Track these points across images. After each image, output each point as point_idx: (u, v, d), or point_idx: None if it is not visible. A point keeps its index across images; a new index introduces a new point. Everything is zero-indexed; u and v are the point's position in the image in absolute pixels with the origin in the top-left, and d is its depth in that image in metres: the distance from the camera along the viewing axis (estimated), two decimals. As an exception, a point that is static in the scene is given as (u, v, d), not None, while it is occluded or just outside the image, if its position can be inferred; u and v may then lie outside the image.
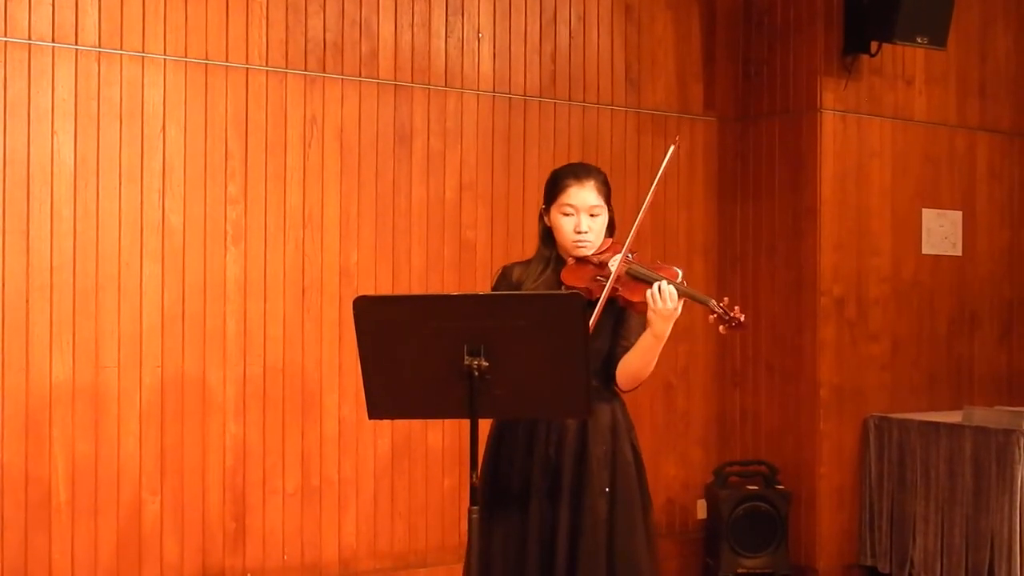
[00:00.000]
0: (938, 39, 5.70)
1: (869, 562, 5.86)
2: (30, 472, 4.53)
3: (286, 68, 5.05)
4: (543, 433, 3.34)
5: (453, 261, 5.40)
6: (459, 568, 3.60)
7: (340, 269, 5.15)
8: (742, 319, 3.16)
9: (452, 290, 5.29)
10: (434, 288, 5.31)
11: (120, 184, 4.72)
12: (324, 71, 5.12)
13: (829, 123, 5.82)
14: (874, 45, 5.78)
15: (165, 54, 4.80)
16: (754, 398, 6.11)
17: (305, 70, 5.09)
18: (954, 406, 6.05)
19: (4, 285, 4.50)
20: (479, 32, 5.50)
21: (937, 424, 5.61)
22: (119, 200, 4.71)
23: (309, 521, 5.08)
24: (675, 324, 3.23)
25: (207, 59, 4.88)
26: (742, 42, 6.21)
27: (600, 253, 3.37)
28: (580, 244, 3.36)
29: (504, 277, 3.49)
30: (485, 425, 3.37)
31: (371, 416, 3.08)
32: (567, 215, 3.37)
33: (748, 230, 6.15)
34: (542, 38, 5.67)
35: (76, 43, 4.63)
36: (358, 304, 2.98)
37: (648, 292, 3.17)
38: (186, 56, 4.84)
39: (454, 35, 5.44)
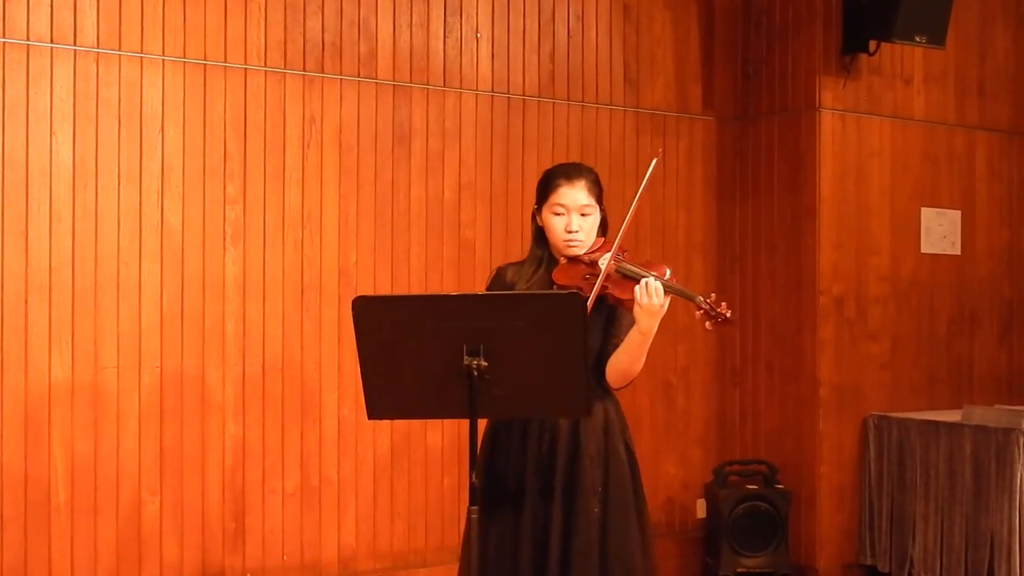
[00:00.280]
0: (937, 38, 5.70)
1: (869, 561, 5.86)
2: (29, 472, 4.53)
3: (285, 68, 5.04)
4: (536, 432, 3.35)
5: (452, 261, 5.40)
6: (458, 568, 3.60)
7: (339, 269, 5.15)
8: (728, 315, 3.15)
9: (451, 290, 5.29)
10: (433, 288, 5.31)
11: (119, 184, 4.72)
12: (323, 71, 5.12)
13: (828, 122, 5.83)
14: (873, 44, 5.78)
15: (163, 55, 4.80)
16: (754, 397, 6.11)
17: (304, 70, 5.09)
18: (954, 405, 6.05)
19: (3, 285, 4.50)
20: (478, 32, 5.50)
21: (937, 423, 5.61)
22: (118, 200, 4.71)
23: (309, 521, 5.08)
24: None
25: (206, 59, 4.88)
26: (741, 42, 6.21)
27: (591, 252, 3.37)
28: (571, 243, 3.37)
29: (498, 278, 3.50)
30: (484, 425, 3.37)
31: (370, 416, 3.08)
32: (558, 215, 3.38)
33: (747, 229, 6.15)
34: (541, 38, 5.67)
35: (74, 44, 4.63)
36: (357, 304, 2.97)
37: (635, 288, 3.18)
38: (184, 57, 4.83)
39: (453, 35, 5.44)
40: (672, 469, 6.03)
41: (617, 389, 3.42)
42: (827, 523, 5.82)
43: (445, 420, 5.01)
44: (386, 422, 5.08)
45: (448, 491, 5.34)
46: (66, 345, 4.60)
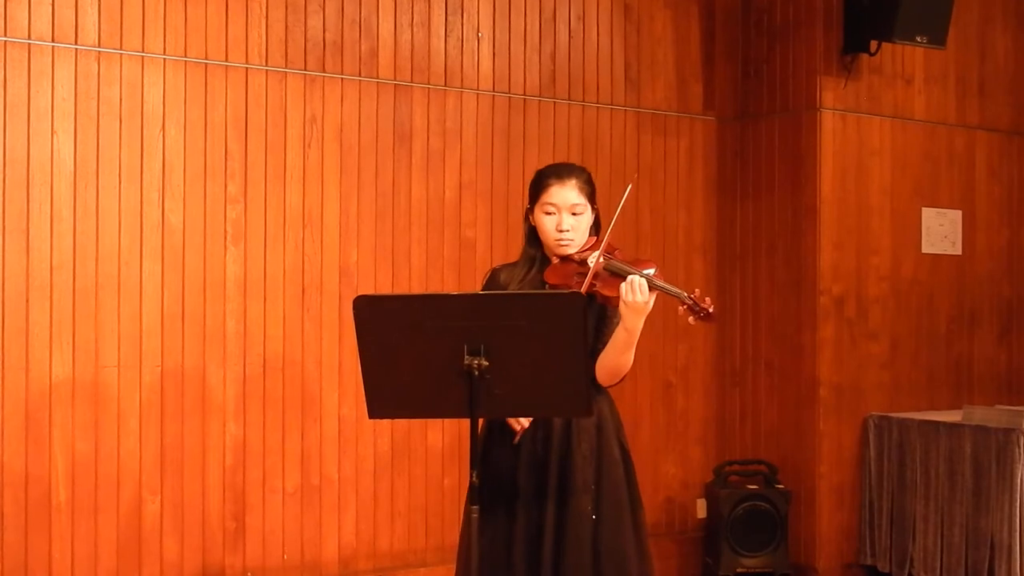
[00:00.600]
0: (937, 38, 5.70)
1: (869, 561, 5.86)
2: (30, 471, 4.53)
3: (286, 68, 5.05)
4: (530, 431, 3.36)
5: (453, 260, 5.41)
6: (459, 567, 3.61)
7: (340, 268, 5.16)
8: (711, 310, 3.17)
9: (452, 289, 5.29)
10: (434, 287, 5.31)
11: (120, 184, 4.72)
12: (324, 71, 5.12)
13: (828, 122, 5.83)
14: (873, 44, 5.78)
15: (165, 54, 4.80)
16: (754, 397, 6.11)
17: (305, 70, 5.09)
18: (954, 405, 6.05)
19: (4, 284, 4.51)
20: (479, 31, 5.50)
21: (937, 423, 5.61)
22: (119, 200, 4.71)
23: (309, 520, 5.08)
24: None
25: (207, 59, 4.88)
26: (741, 41, 6.21)
27: (582, 251, 3.38)
28: (562, 243, 3.38)
29: (492, 280, 3.51)
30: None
31: (371, 415, 3.08)
32: (549, 214, 3.39)
33: (748, 229, 6.16)
34: (541, 37, 5.67)
35: (76, 43, 4.63)
36: (358, 303, 2.98)
37: (620, 285, 3.19)
38: (186, 56, 4.84)
39: (454, 34, 5.44)
40: (672, 469, 6.03)
41: (607, 387, 3.42)
42: (827, 523, 5.82)
43: (445, 420, 5.02)
44: (386, 421, 5.08)
45: (448, 491, 5.34)
46: (67, 344, 4.60)
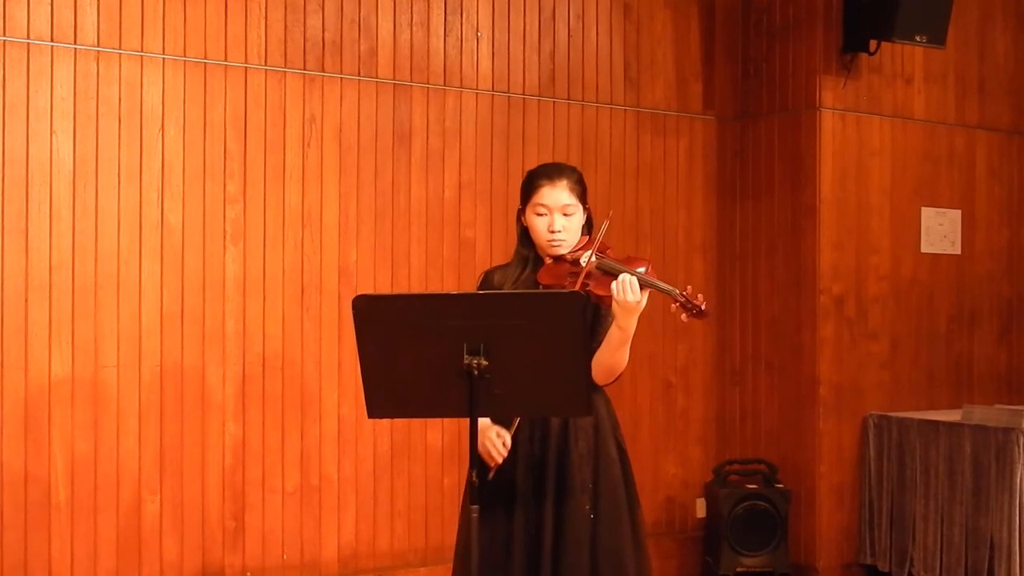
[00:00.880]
0: (937, 38, 5.70)
1: (869, 561, 5.86)
2: (29, 471, 4.53)
3: (285, 67, 5.04)
4: (527, 430, 3.36)
5: (452, 260, 5.40)
6: (458, 567, 3.60)
7: (339, 268, 5.15)
8: (703, 307, 3.17)
9: (451, 289, 5.29)
10: (433, 287, 5.31)
11: (119, 183, 4.72)
12: (323, 70, 5.12)
13: (828, 122, 5.83)
14: (873, 44, 5.78)
15: (164, 53, 4.80)
16: (754, 397, 6.11)
17: (304, 69, 5.09)
18: (953, 405, 6.05)
19: (3, 284, 4.50)
20: (478, 31, 5.50)
21: (936, 423, 5.61)
22: (118, 199, 4.71)
23: (308, 520, 5.08)
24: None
25: (206, 58, 4.88)
26: (741, 41, 6.21)
27: (575, 251, 3.38)
28: (554, 243, 3.38)
29: (486, 282, 3.51)
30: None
31: (370, 415, 3.08)
32: (540, 215, 3.39)
33: (747, 229, 6.16)
34: (541, 37, 5.67)
35: (75, 42, 4.63)
36: (357, 303, 2.98)
37: (612, 284, 3.19)
38: (185, 55, 4.83)
39: (453, 34, 5.44)
40: (672, 468, 6.03)
41: (602, 386, 3.42)
42: (827, 522, 5.82)
43: (445, 419, 5.01)
44: (386, 421, 5.08)
45: (448, 490, 5.34)
46: (66, 343, 4.60)
